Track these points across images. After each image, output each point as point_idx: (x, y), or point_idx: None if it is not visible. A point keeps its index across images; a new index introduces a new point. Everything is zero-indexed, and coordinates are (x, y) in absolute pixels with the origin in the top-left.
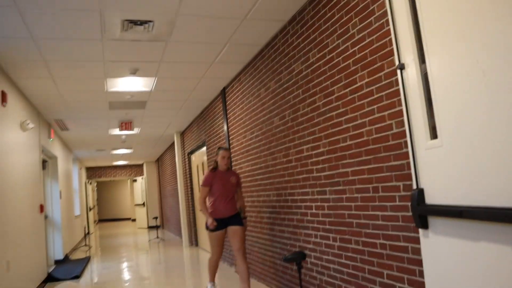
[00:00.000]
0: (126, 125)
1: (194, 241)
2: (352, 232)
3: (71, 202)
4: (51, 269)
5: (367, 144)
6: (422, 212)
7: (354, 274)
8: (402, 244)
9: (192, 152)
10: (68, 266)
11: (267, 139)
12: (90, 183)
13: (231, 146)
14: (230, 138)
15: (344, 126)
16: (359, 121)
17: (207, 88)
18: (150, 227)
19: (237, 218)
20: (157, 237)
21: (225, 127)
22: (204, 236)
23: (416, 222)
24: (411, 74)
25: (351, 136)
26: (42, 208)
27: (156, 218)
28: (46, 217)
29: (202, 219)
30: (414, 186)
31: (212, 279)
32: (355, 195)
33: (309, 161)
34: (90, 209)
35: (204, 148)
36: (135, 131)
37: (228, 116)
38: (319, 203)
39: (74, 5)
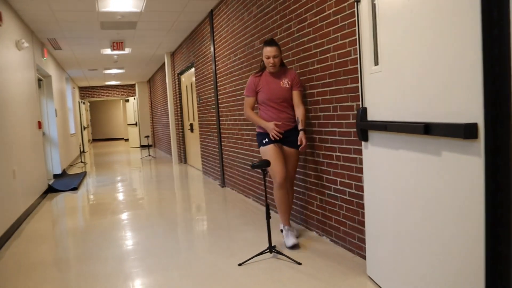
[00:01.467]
0: (117, 45)
1: (183, 158)
2: (315, 146)
3: (66, 121)
4: (51, 182)
5: (330, 68)
6: (364, 127)
7: (314, 182)
8: (352, 155)
9: (182, 73)
10: (66, 180)
11: (248, 62)
12: (84, 103)
13: (216, 68)
14: (216, 60)
15: (313, 51)
16: (326, 47)
17: (195, 9)
18: (142, 146)
19: (293, 137)
20: (149, 155)
21: (212, 49)
22: (193, 152)
23: (359, 135)
24: (364, 7)
25: (318, 60)
26: (40, 124)
27: (147, 137)
28: (43, 134)
29: (191, 138)
30: (361, 105)
31: (287, 221)
32: (319, 113)
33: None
34: (85, 128)
35: (193, 69)
36: (127, 51)
37: (215, 38)
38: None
39: None
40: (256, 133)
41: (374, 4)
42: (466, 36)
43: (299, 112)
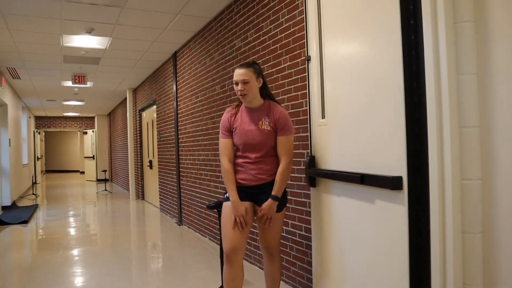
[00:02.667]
0: (79, 78)
1: (141, 194)
2: None
3: (19, 150)
4: None
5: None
6: (312, 174)
7: None
8: (302, 199)
9: (143, 109)
10: (16, 212)
11: (209, 104)
12: (39, 133)
13: (178, 107)
14: (178, 99)
15: None
16: (280, 97)
17: (159, 50)
18: (98, 180)
19: (269, 195)
20: (105, 189)
21: (174, 89)
22: (151, 189)
23: (307, 182)
24: (314, 65)
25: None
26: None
27: (105, 171)
28: None
29: (149, 174)
30: (309, 154)
31: None
32: None
33: None
34: (38, 159)
35: (155, 107)
36: (88, 84)
37: (177, 79)
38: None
39: None
40: None
41: (322, 64)
42: (393, 102)
43: (279, 168)
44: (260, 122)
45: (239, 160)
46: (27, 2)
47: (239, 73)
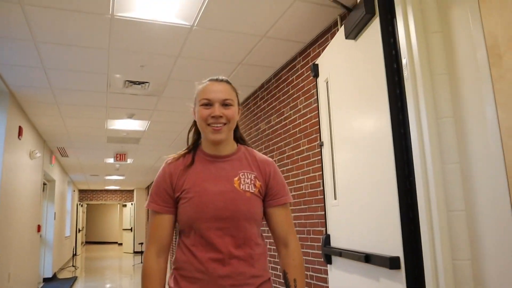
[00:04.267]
0: (120, 156)
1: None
2: None
3: (63, 223)
4: (40, 286)
5: (304, 196)
6: (327, 252)
7: None
8: (323, 275)
9: None
10: (56, 284)
11: None
12: (81, 205)
13: None
14: None
15: (291, 179)
16: (300, 177)
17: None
18: (135, 252)
19: None
20: (141, 262)
21: None
22: None
23: (324, 259)
24: (326, 151)
25: (295, 188)
26: (39, 228)
27: (142, 244)
28: (40, 236)
29: None
30: (325, 232)
31: None
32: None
33: None
34: (79, 231)
35: None
36: (129, 161)
37: None
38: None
39: (88, 69)
40: None
41: (332, 149)
42: (390, 188)
43: (289, 259)
44: (237, 179)
45: (190, 258)
46: (79, 95)
47: (217, 89)
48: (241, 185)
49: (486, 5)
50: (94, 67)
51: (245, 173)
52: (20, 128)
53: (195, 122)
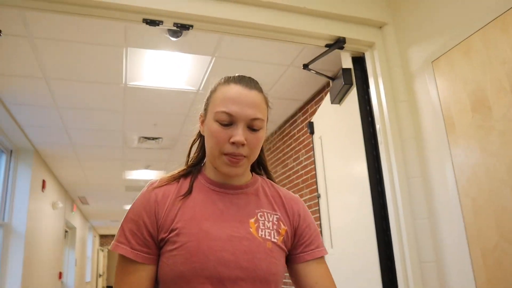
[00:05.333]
0: None
1: None
2: None
3: (84, 269)
4: None
5: None
6: None
7: None
8: None
9: None
10: None
11: None
12: (102, 250)
13: None
14: None
15: None
16: None
17: None
18: None
19: None
20: None
21: None
22: None
23: None
24: (322, 202)
25: None
26: (60, 275)
27: None
28: (61, 282)
29: None
30: None
31: None
32: None
33: None
34: (100, 276)
35: None
36: None
37: None
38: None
39: (105, 128)
40: None
41: (328, 201)
42: (371, 240)
43: None
44: (254, 221)
45: None
46: (98, 150)
47: (245, 100)
48: (260, 230)
49: (440, 78)
50: (111, 126)
51: (265, 213)
52: (43, 182)
53: (200, 135)
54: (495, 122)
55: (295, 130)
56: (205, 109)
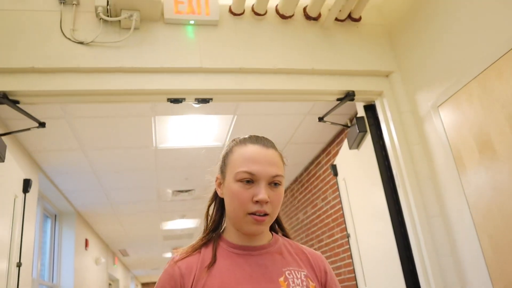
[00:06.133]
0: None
1: None
2: None
3: None
4: None
5: (343, 282)
6: None
7: None
8: None
9: None
10: None
11: None
12: None
13: None
14: None
15: (332, 266)
16: (338, 264)
17: None
18: None
19: None
20: None
21: None
22: None
23: None
24: (352, 241)
25: (336, 274)
26: None
27: None
28: None
29: None
30: None
31: None
32: None
33: None
34: None
35: None
36: None
37: None
38: None
39: (140, 185)
40: None
41: (357, 239)
42: (398, 273)
43: None
44: (283, 280)
45: None
46: (134, 206)
47: (264, 159)
48: (291, 286)
49: (447, 122)
50: (145, 184)
51: (293, 271)
52: (86, 240)
53: (216, 195)
54: (501, 163)
55: (321, 171)
56: (222, 172)
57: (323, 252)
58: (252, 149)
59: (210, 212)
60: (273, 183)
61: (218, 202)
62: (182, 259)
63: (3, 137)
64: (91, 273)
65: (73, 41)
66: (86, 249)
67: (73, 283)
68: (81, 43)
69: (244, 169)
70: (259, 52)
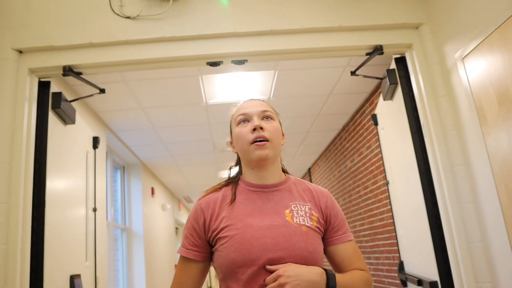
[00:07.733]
0: None
1: None
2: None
3: None
4: None
5: (386, 226)
6: (402, 277)
7: None
8: None
9: None
10: None
11: None
12: None
13: None
14: None
15: (375, 211)
16: (381, 209)
17: (296, 168)
18: None
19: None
20: None
21: None
22: None
23: (401, 282)
24: (391, 188)
25: (380, 219)
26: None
27: None
28: None
29: None
30: (399, 259)
31: None
32: (381, 261)
33: (360, 234)
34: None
35: None
36: None
37: None
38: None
39: (197, 138)
40: None
41: (395, 188)
42: (425, 223)
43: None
44: (288, 211)
45: None
46: (193, 157)
47: (253, 104)
48: (295, 218)
49: (471, 74)
50: (201, 137)
51: (298, 205)
52: (152, 189)
53: (238, 159)
54: None
55: (365, 120)
56: (231, 133)
57: (368, 198)
58: (243, 103)
59: (232, 170)
60: (265, 117)
61: (237, 159)
62: (203, 197)
63: (72, 103)
64: (159, 218)
65: (121, 16)
66: (152, 196)
67: (143, 227)
68: (128, 17)
69: (239, 113)
70: (287, 14)
